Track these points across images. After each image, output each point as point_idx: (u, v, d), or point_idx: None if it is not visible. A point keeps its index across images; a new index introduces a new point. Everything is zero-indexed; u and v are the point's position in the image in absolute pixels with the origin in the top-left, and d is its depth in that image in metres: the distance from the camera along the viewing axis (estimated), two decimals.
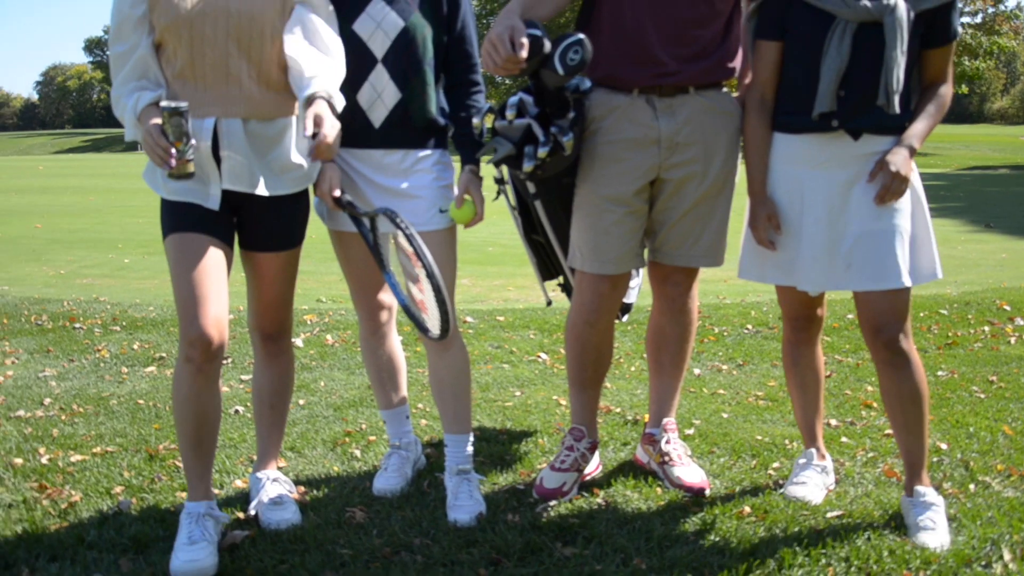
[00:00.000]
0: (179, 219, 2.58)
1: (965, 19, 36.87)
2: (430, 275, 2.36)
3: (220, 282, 2.55)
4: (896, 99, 2.54)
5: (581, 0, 2.92)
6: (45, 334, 5.35)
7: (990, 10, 36.51)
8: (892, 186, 2.52)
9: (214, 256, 2.56)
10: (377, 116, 2.73)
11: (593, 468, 3.12)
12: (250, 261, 2.76)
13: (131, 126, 2.50)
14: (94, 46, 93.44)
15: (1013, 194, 16.87)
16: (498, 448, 3.37)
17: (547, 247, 3.17)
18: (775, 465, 3.16)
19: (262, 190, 2.60)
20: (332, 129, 2.45)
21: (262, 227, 2.70)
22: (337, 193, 2.65)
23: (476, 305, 6.26)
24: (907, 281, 2.59)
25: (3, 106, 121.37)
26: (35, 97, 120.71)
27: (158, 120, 2.37)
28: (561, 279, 3.32)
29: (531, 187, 2.94)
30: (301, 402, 3.97)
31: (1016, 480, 2.97)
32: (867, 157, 2.61)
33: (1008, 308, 5.82)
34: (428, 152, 2.80)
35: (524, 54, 2.54)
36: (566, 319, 3.06)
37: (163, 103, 2.37)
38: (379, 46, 2.70)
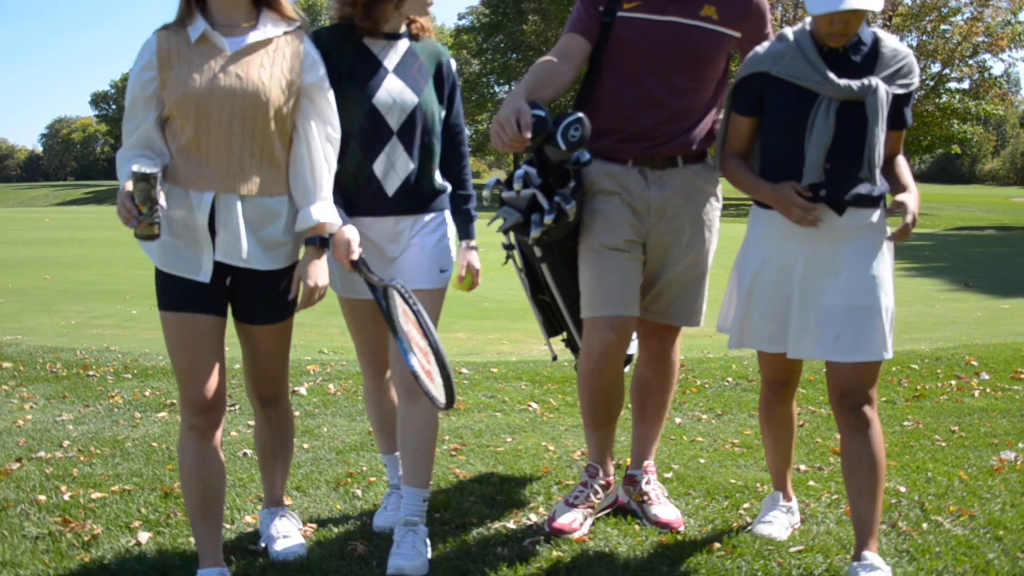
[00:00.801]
0: (172, 296, 2.65)
1: (952, 84, 37.69)
2: (435, 350, 2.47)
3: (215, 355, 2.65)
4: (878, 172, 2.70)
5: (581, 81, 3.19)
6: (60, 381, 5.60)
7: (976, 77, 37.32)
8: (909, 228, 2.64)
9: (208, 332, 2.65)
10: (391, 185, 2.88)
11: (611, 503, 3.34)
12: (244, 332, 2.83)
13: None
14: (100, 100, 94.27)
15: (996, 254, 17.22)
16: (489, 489, 3.62)
17: (553, 306, 3.37)
18: (746, 506, 3.41)
19: (255, 264, 2.66)
20: (315, 280, 2.67)
21: (255, 300, 2.75)
22: (355, 256, 2.74)
23: (471, 357, 6.52)
24: (889, 354, 2.73)
25: (8, 158, 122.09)
26: (39, 149, 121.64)
27: (129, 184, 2.44)
28: (565, 335, 3.51)
29: (538, 251, 3.15)
30: (305, 446, 4.22)
31: (966, 520, 3.22)
32: (850, 231, 2.74)
33: (975, 363, 6.07)
34: (432, 215, 2.97)
35: (529, 134, 2.78)
36: (576, 367, 3.32)
37: (133, 167, 2.44)
38: (395, 120, 2.86)
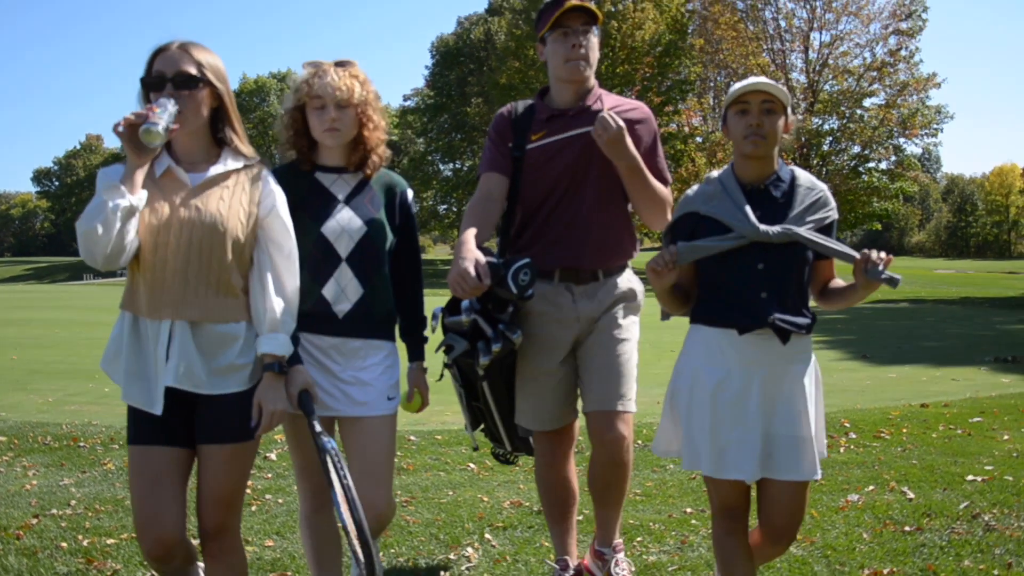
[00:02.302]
0: (135, 429, 2.70)
1: (871, 164, 39.97)
2: (359, 527, 2.56)
3: (172, 490, 2.65)
4: (852, 253, 2.76)
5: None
6: (54, 452, 6.31)
7: (892, 159, 39.70)
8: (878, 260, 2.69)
9: (168, 467, 2.66)
10: (341, 309, 3.01)
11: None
12: (199, 455, 2.75)
13: (109, 196, 2.51)
14: (43, 176, 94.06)
15: (900, 326, 18.20)
16: (434, 531, 4.46)
17: (485, 411, 3.53)
18: (639, 539, 4.29)
19: (206, 390, 2.66)
20: (273, 405, 2.71)
21: (209, 420, 2.71)
22: (295, 392, 2.79)
23: (418, 426, 7.34)
24: (819, 473, 2.87)
25: None
26: None
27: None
28: (483, 425, 3.64)
29: (480, 371, 3.30)
30: (280, 501, 5.02)
31: (807, 545, 4.14)
32: (790, 355, 2.83)
33: (848, 425, 7.04)
34: (381, 343, 3.09)
35: (488, 281, 2.98)
36: (492, 453, 3.80)
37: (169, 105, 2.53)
38: (344, 247, 3.00)
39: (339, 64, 3.05)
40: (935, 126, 38.50)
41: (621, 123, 3.16)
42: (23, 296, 32.56)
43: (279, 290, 2.77)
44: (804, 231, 2.79)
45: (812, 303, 2.94)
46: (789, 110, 2.87)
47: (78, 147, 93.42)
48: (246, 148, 2.82)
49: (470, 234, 3.09)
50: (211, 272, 2.68)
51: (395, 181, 3.19)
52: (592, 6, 3.34)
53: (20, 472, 5.72)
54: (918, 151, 43.77)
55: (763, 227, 2.79)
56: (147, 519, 2.65)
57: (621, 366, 3.37)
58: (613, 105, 3.39)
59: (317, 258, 2.99)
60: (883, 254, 2.69)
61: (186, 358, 2.64)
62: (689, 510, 4.79)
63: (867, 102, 39.73)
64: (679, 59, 41.89)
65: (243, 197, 2.76)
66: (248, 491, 4.47)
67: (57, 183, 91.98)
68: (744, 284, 2.83)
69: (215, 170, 2.74)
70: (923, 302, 26.89)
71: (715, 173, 2.97)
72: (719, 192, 2.89)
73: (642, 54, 39.72)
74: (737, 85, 2.88)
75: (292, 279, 2.82)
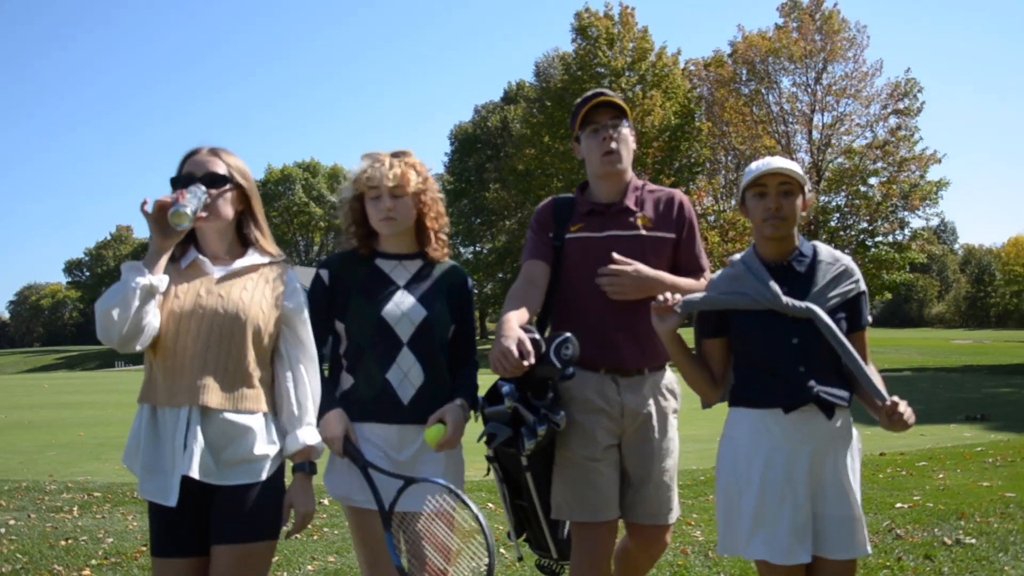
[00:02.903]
0: (155, 540, 2.70)
1: (879, 238, 41.15)
2: (490, 556, 2.60)
3: None
4: (883, 393, 2.77)
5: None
6: (142, 504, 7.49)
7: (905, 232, 40.82)
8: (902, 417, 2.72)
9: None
10: (405, 394, 3.00)
11: None
12: (211, 556, 2.67)
13: (132, 281, 2.55)
14: (73, 267, 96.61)
15: (891, 391, 19.21)
16: None
17: (529, 510, 3.36)
18: None
19: (217, 480, 2.63)
20: (306, 507, 2.78)
21: (221, 516, 2.66)
22: (341, 434, 2.90)
23: None
24: (869, 548, 2.85)
25: None
26: (6, 315, 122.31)
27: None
28: (527, 535, 3.48)
29: (524, 461, 3.19)
30: (331, 558, 6.22)
31: None
32: (834, 430, 2.81)
33: None
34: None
35: (531, 360, 2.86)
36: (537, 564, 3.56)
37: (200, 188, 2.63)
38: (404, 331, 3.00)
39: (395, 154, 3.07)
40: (934, 196, 39.61)
41: (629, 268, 3.21)
42: (65, 383, 34.00)
43: (306, 385, 2.82)
44: (826, 318, 2.78)
45: None
46: (806, 188, 2.90)
47: (108, 238, 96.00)
48: (271, 247, 2.89)
49: (512, 315, 3.03)
50: (230, 359, 2.69)
51: (455, 270, 3.21)
52: (619, 100, 3.38)
53: (120, 517, 6.98)
54: (924, 223, 44.79)
55: (785, 299, 2.81)
56: None
57: (672, 478, 3.34)
58: (649, 196, 3.43)
59: (378, 343, 3.01)
60: (907, 411, 2.71)
61: (203, 445, 2.61)
62: None
63: (872, 180, 41.05)
64: (688, 142, 43.50)
65: (266, 290, 2.79)
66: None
67: (87, 273, 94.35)
68: (782, 361, 2.82)
69: (240, 263, 2.80)
70: (925, 370, 27.76)
71: (737, 256, 3.01)
72: (743, 273, 2.90)
73: (651, 139, 41.33)
74: (753, 167, 2.91)
75: (316, 377, 2.86)
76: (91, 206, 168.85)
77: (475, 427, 3.19)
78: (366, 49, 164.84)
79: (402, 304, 3.04)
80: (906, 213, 40.65)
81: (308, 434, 2.78)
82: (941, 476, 7.64)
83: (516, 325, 2.97)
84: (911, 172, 39.26)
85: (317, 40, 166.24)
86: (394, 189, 3.00)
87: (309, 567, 5.38)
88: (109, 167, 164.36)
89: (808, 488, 2.78)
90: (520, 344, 2.86)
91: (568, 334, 3.02)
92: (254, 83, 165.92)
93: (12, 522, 6.89)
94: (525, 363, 2.83)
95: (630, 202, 3.38)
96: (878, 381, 2.78)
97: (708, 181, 46.42)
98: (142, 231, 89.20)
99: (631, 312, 3.25)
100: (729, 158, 44.53)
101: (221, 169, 2.77)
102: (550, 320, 3.37)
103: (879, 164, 40.46)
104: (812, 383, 2.78)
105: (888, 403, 2.71)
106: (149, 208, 2.54)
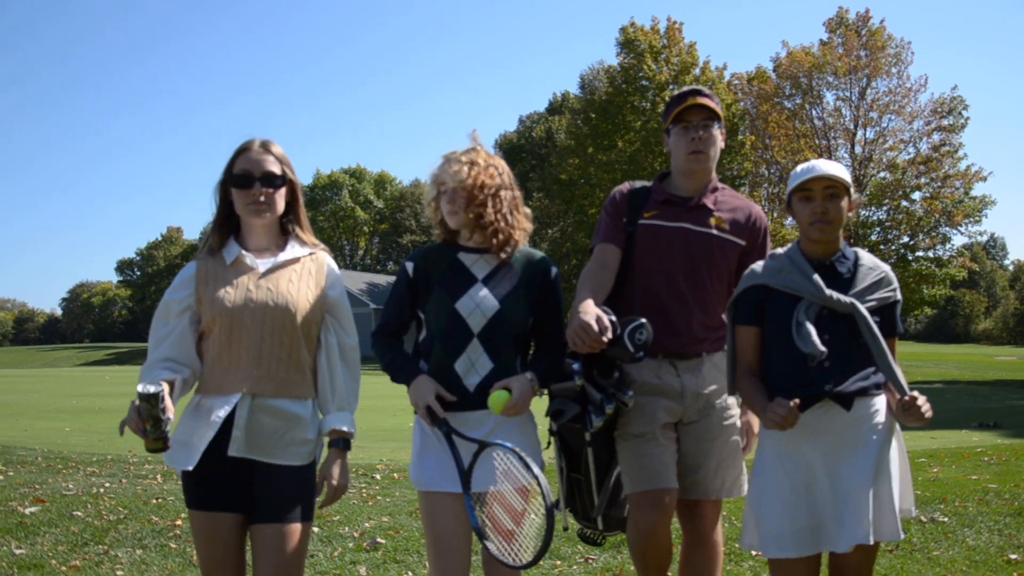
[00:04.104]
0: (190, 493, 2.82)
1: (920, 252, 41.28)
2: (548, 511, 2.63)
3: (233, 553, 2.80)
4: (892, 364, 2.85)
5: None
6: None
7: (949, 246, 40.90)
8: (920, 410, 2.76)
9: (226, 531, 2.79)
10: (471, 382, 3.05)
11: None
12: (253, 536, 2.80)
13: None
14: (125, 267, 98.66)
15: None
16: None
17: (584, 483, 3.40)
18: None
19: (269, 459, 2.77)
20: (341, 480, 2.89)
21: (265, 495, 2.77)
22: (434, 405, 2.94)
23: None
24: (901, 534, 2.87)
25: (28, 321, 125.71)
26: (58, 312, 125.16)
27: (136, 402, 2.61)
28: (573, 507, 3.51)
29: (587, 437, 3.24)
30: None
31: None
32: (858, 422, 2.87)
33: None
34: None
35: (610, 335, 2.96)
36: (579, 534, 3.62)
37: (139, 387, 2.59)
38: (476, 323, 3.05)
39: (465, 152, 3.15)
40: (978, 214, 39.69)
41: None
42: (124, 375, 35.12)
43: (347, 371, 2.97)
44: (867, 314, 2.85)
45: None
46: (851, 190, 2.94)
47: (159, 238, 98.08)
48: (309, 237, 3.02)
49: (587, 295, 3.15)
50: (283, 349, 2.83)
51: (537, 259, 3.22)
52: (713, 104, 3.42)
53: None
54: (968, 240, 44.81)
55: (828, 292, 2.87)
56: (210, 571, 2.86)
57: (736, 453, 3.47)
58: (729, 200, 3.51)
59: (450, 333, 3.08)
60: (925, 405, 2.75)
61: (254, 429, 2.76)
62: None
63: (915, 195, 41.19)
64: (730, 156, 43.92)
65: (310, 281, 2.93)
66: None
67: (138, 272, 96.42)
68: (804, 357, 2.87)
69: (284, 256, 2.93)
70: (957, 383, 28.06)
71: (780, 250, 3.06)
72: (787, 266, 2.96)
73: None
74: (799, 171, 2.96)
75: (356, 361, 3.01)
76: (143, 207, 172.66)
77: (541, 404, 3.27)
78: (413, 57, 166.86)
79: (476, 297, 3.09)
80: (948, 229, 40.76)
81: (343, 419, 2.93)
82: (936, 470, 8.33)
83: (593, 304, 3.08)
84: (954, 188, 39.37)
85: (365, 47, 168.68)
86: (454, 185, 3.07)
87: (367, 524, 6.27)
88: (161, 168, 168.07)
89: (828, 482, 2.84)
90: (599, 320, 2.97)
91: (643, 320, 3.08)
92: (303, 87, 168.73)
93: (107, 485, 7.89)
94: (604, 338, 2.95)
95: (708, 201, 3.47)
96: (902, 378, 2.84)
97: (750, 194, 46.75)
98: (192, 232, 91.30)
99: (695, 300, 3.38)
100: (772, 171, 44.86)
101: (276, 168, 2.90)
102: (617, 302, 3.36)
103: (922, 179, 40.62)
104: (831, 380, 2.85)
105: (908, 397, 2.76)
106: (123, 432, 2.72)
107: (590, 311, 3.00)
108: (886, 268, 2.99)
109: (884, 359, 2.84)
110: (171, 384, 2.77)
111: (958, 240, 42.38)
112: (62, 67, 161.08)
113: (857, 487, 2.82)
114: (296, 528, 2.79)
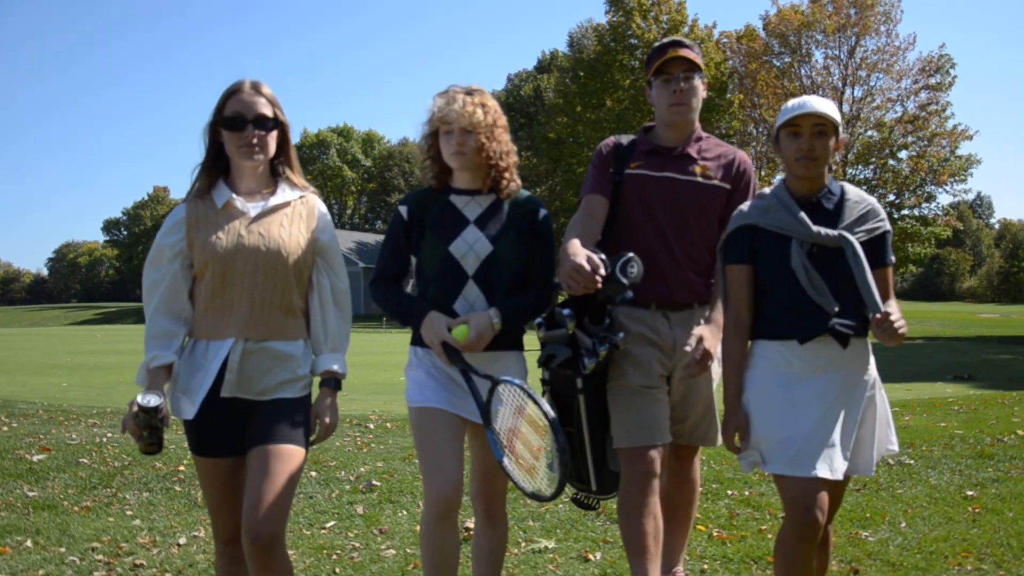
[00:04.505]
0: (192, 439, 2.89)
1: (906, 211, 41.63)
2: (557, 441, 2.63)
3: (240, 494, 2.80)
4: (877, 299, 2.83)
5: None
6: None
7: (933, 205, 41.24)
8: (894, 328, 2.75)
9: (228, 473, 2.86)
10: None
11: None
12: (249, 460, 2.79)
13: (141, 376, 2.82)
14: (112, 226, 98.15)
15: (896, 355, 18.63)
16: None
17: (576, 438, 3.37)
18: None
19: (264, 396, 2.82)
20: (332, 418, 2.94)
21: (261, 422, 2.80)
22: (450, 340, 2.95)
23: None
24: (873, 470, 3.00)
25: (14, 281, 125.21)
26: (44, 272, 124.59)
27: (136, 409, 2.66)
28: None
29: (580, 383, 3.26)
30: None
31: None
32: (850, 359, 2.92)
33: None
34: (511, 353, 3.18)
35: (603, 272, 2.94)
36: (572, 498, 3.59)
37: (139, 400, 2.65)
38: (470, 265, 3.07)
39: (468, 92, 3.13)
40: (964, 172, 40.00)
41: (702, 354, 3.15)
42: (115, 333, 35.35)
43: (338, 313, 2.99)
44: (856, 245, 2.86)
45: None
46: (840, 129, 2.93)
47: (145, 198, 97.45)
48: (299, 179, 3.02)
49: (577, 239, 3.13)
50: (275, 293, 2.84)
51: (529, 201, 3.24)
52: (694, 55, 3.44)
53: None
54: (953, 199, 45.15)
55: (816, 228, 2.88)
56: (219, 508, 2.95)
57: (716, 405, 3.49)
58: (713, 148, 3.53)
59: (445, 276, 3.11)
60: (900, 321, 2.74)
61: (247, 371, 2.80)
62: None
63: (902, 153, 41.45)
64: (719, 114, 43.98)
65: (301, 225, 2.93)
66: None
67: (125, 232, 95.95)
68: (803, 294, 2.89)
69: (274, 200, 2.92)
70: (938, 339, 28.49)
71: (767, 189, 3.06)
72: (774, 205, 2.97)
73: None
74: (789, 106, 2.96)
75: (347, 304, 3.04)
76: (129, 167, 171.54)
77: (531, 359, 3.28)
78: (401, 16, 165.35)
79: (469, 239, 3.11)
80: (934, 187, 41.08)
81: (335, 360, 2.96)
82: (908, 418, 8.68)
83: (580, 246, 3.05)
84: (941, 147, 39.61)
85: (353, 7, 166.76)
86: (465, 124, 3.05)
87: (362, 468, 6.57)
88: (147, 127, 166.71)
89: (831, 410, 2.88)
90: (590, 260, 2.94)
91: (631, 254, 3.08)
92: (291, 48, 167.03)
93: (109, 435, 8.19)
94: (597, 276, 2.92)
95: (692, 150, 3.48)
96: (878, 298, 2.83)
97: None
98: (178, 192, 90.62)
99: (682, 250, 3.39)
100: (760, 130, 45.00)
101: (268, 110, 2.88)
102: (606, 252, 3.28)
103: (909, 138, 40.84)
104: (826, 316, 2.87)
105: (880, 314, 2.77)
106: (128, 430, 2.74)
107: (580, 252, 2.99)
108: (872, 200, 3.00)
109: (864, 282, 2.84)
110: (169, 369, 2.83)
111: (944, 199, 42.55)
112: (51, 35, 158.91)
113: (846, 427, 2.90)
114: (287, 449, 2.79)
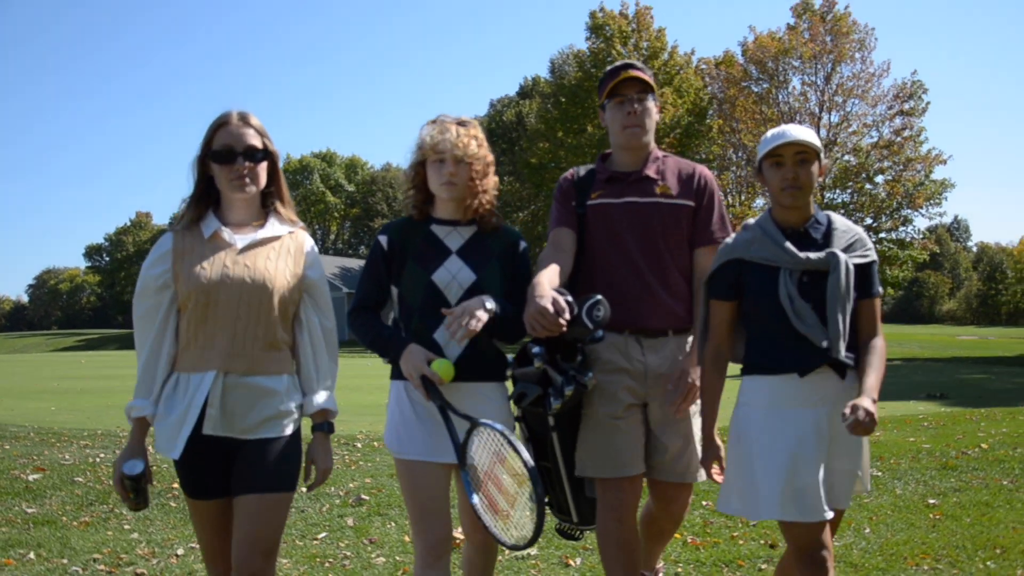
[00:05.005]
0: (182, 479, 2.89)
1: (883, 235, 42.21)
2: (536, 492, 2.62)
3: (225, 538, 2.82)
4: (842, 344, 2.80)
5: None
6: None
7: (901, 231, 41.84)
8: (863, 426, 2.64)
9: (219, 515, 2.85)
10: (451, 353, 3.03)
11: None
12: (236, 506, 2.78)
13: (127, 417, 2.84)
14: (93, 252, 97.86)
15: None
16: None
17: (553, 471, 3.38)
18: None
19: (246, 436, 2.77)
20: (326, 464, 2.95)
21: (246, 466, 2.78)
22: (429, 374, 2.90)
23: None
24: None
25: None
26: (24, 299, 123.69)
27: (123, 473, 2.75)
28: (548, 499, 3.46)
29: (551, 421, 3.24)
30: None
31: None
32: (847, 389, 2.85)
33: None
34: (492, 384, 3.14)
35: (568, 316, 2.90)
36: (557, 528, 3.56)
37: (125, 468, 2.75)
38: (453, 295, 3.06)
39: (460, 123, 3.14)
40: (939, 196, 40.63)
41: (687, 388, 3.27)
42: (100, 359, 35.29)
43: (323, 351, 2.96)
44: (845, 260, 2.83)
45: None
46: (822, 155, 2.92)
47: (128, 224, 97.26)
48: (289, 214, 2.99)
49: (544, 277, 3.09)
50: (259, 327, 2.80)
51: (509, 233, 3.26)
52: (646, 76, 3.43)
53: None
54: (929, 222, 45.76)
55: (803, 254, 2.86)
56: (212, 552, 2.96)
57: (697, 438, 3.37)
58: (671, 166, 3.50)
59: (427, 306, 3.07)
60: (861, 412, 2.64)
61: (229, 407, 2.75)
62: None
63: (878, 178, 42.06)
64: (698, 139, 44.54)
65: (289, 260, 2.90)
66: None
67: (107, 258, 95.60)
68: (792, 323, 2.84)
69: (263, 233, 2.90)
70: (915, 360, 28.92)
71: (752, 221, 3.03)
72: (759, 236, 2.94)
73: (663, 135, 42.46)
74: (770, 136, 2.93)
75: (335, 344, 3.02)
76: (111, 192, 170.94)
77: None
78: (382, 41, 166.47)
79: (452, 269, 3.09)
80: (909, 211, 41.68)
81: (326, 398, 2.94)
82: (879, 434, 8.97)
83: (548, 286, 3.00)
84: (916, 171, 40.24)
85: (336, 30, 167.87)
86: (459, 155, 3.05)
87: (351, 484, 6.79)
88: (130, 154, 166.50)
89: (827, 446, 2.84)
90: (555, 302, 2.90)
91: (599, 296, 3.01)
92: (272, 71, 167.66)
93: (102, 455, 8.34)
94: (561, 320, 2.88)
95: (651, 171, 3.45)
96: (868, 392, 2.78)
97: (718, 176, 47.45)
98: (161, 217, 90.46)
99: (654, 275, 3.35)
100: (739, 155, 45.54)
101: (257, 141, 2.85)
102: (576, 284, 3.37)
103: (885, 163, 41.46)
104: (825, 344, 2.81)
105: (848, 407, 2.68)
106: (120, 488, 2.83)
107: (545, 294, 2.94)
108: (859, 230, 2.99)
109: (834, 307, 2.81)
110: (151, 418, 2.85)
111: (921, 222, 43.17)
112: (26, 50, 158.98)
113: (854, 459, 2.90)
114: (273, 498, 2.78)
